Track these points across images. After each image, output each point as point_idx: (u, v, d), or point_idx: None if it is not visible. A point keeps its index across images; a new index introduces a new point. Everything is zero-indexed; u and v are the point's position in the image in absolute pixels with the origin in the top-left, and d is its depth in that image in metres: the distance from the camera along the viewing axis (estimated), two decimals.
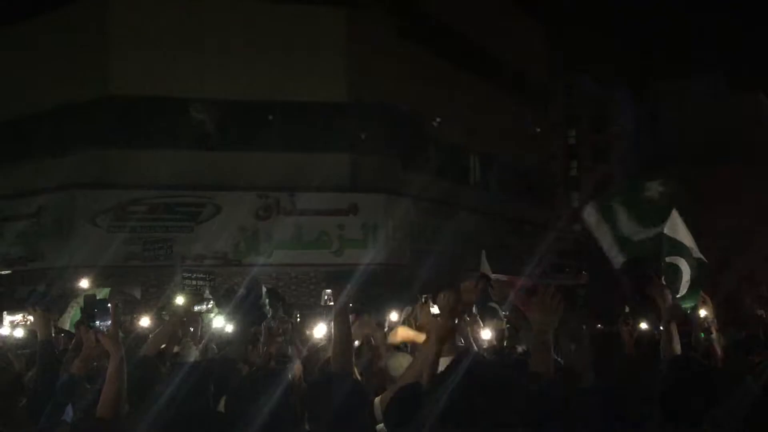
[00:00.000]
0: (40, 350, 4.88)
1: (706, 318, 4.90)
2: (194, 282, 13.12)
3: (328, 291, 3.92)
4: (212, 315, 7.52)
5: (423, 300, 5.21)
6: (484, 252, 8.77)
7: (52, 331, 5.24)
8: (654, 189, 6.35)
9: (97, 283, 11.89)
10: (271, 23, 19.09)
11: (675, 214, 6.20)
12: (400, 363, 4.98)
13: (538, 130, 28.79)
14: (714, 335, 4.78)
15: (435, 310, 4.68)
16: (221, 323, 6.70)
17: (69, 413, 4.14)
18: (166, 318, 6.07)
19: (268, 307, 9.45)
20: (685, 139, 56.43)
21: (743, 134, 55.69)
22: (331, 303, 4.16)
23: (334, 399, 2.99)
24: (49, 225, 17.96)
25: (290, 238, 18.20)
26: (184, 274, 12.01)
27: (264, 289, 9.10)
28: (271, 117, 19.47)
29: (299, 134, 19.26)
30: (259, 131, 19.05)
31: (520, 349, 6.43)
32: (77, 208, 17.79)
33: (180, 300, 6.64)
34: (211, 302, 8.23)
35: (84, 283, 11.30)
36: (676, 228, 6.15)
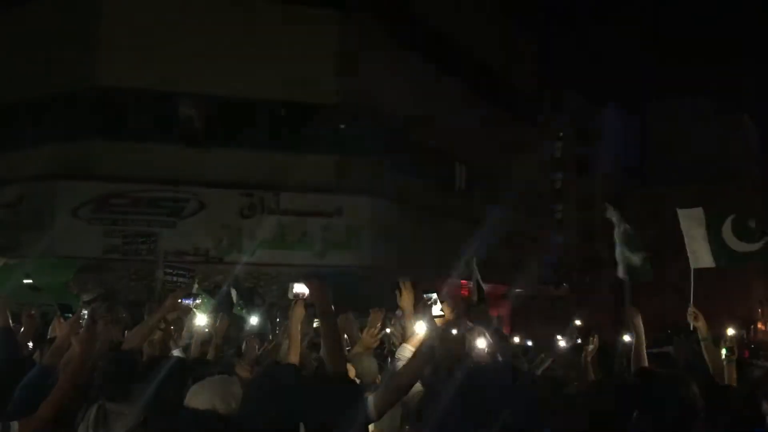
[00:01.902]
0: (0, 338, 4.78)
1: (733, 337, 4.97)
2: (175, 278, 13.00)
3: (297, 285, 3.80)
4: (199, 311, 7.39)
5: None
6: (474, 258, 8.27)
7: (9, 318, 5.12)
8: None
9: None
10: (262, 22, 19.00)
11: None
12: (369, 365, 4.92)
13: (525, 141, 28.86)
14: (734, 357, 4.82)
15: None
16: (203, 322, 6.57)
17: None
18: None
19: (236, 304, 9.32)
20: (671, 157, 57.00)
21: (728, 154, 56.35)
22: (303, 297, 4.08)
23: (330, 398, 2.94)
24: (29, 215, 17.73)
25: (273, 237, 18.08)
26: (165, 270, 11.85)
27: (233, 290, 8.96)
28: (258, 115, 19.34)
29: (286, 134, 19.18)
30: (245, 129, 18.92)
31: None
32: (58, 199, 17.59)
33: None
34: (198, 299, 8.08)
35: None
36: None
